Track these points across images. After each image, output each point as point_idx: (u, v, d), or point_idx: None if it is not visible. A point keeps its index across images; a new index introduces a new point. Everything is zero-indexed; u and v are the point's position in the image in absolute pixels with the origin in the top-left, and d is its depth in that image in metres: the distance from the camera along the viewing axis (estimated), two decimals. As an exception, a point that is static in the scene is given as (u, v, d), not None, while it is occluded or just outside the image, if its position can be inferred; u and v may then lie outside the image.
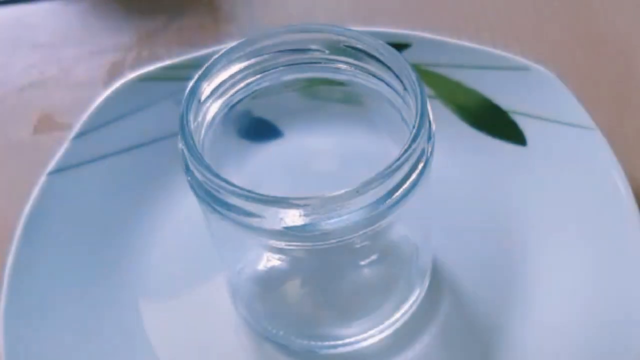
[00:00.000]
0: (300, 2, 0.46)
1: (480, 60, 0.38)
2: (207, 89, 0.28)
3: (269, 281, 0.30)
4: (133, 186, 0.36)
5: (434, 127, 0.27)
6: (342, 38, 0.29)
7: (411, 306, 0.32)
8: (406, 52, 0.38)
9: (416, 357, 0.32)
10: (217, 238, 0.30)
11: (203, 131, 0.28)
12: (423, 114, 0.26)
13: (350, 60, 0.29)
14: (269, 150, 0.35)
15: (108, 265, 0.34)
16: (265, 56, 0.29)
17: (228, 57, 0.28)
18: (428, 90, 0.35)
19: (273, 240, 0.27)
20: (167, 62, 0.39)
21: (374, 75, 0.29)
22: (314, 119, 0.32)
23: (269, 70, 0.29)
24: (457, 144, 0.36)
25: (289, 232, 0.25)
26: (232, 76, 0.29)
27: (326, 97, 0.31)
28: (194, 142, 0.26)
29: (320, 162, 0.33)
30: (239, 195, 0.25)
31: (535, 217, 0.35)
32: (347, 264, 0.30)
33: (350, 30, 0.28)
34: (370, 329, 0.31)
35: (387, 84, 0.28)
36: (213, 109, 0.29)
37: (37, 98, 0.43)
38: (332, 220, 0.25)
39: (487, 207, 0.35)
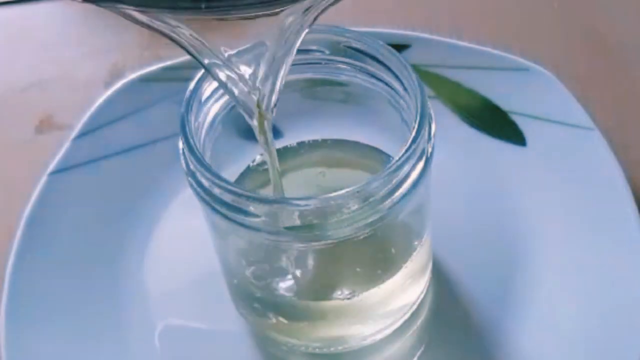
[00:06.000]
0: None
1: (480, 61, 0.38)
2: (207, 89, 0.28)
3: (269, 281, 0.30)
4: (133, 186, 0.37)
5: (434, 127, 0.27)
6: (342, 38, 0.29)
7: (411, 306, 0.32)
8: (406, 53, 0.38)
9: (416, 356, 0.32)
10: (218, 238, 0.30)
11: (204, 132, 0.28)
12: (423, 114, 0.26)
13: (351, 60, 0.29)
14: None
15: (108, 265, 0.34)
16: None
17: (228, 58, 0.28)
18: (428, 91, 0.35)
19: (273, 241, 0.27)
20: (168, 63, 0.39)
21: (374, 76, 0.29)
22: (313, 119, 0.32)
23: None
24: (457, 144, 0.37)
25: (289, 233, 0.26)
26: (232, 77, 0.29)
27: (326, 97, 0.31)
28: (194, 142, 0.26)
29: (320, 162, 0.33)
30: (240, 196, 0.25)
31: (535, 217, 0.35)
32: (347, 264, 0.30)
33: (350, 30, 0.28)
34: (370, 329, 0.31)
35: (387, 85, 0.28)
36: (214, 109, 0.29)
37: (38, 98, 0.43)
38: (332, 220, 0.25)
39: (486, 207, 0.36)
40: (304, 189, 0.32)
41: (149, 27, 0.22)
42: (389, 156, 0.32)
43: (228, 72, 0.25)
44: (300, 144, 0.33)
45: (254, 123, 0.26)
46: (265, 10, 0.20)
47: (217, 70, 0.25)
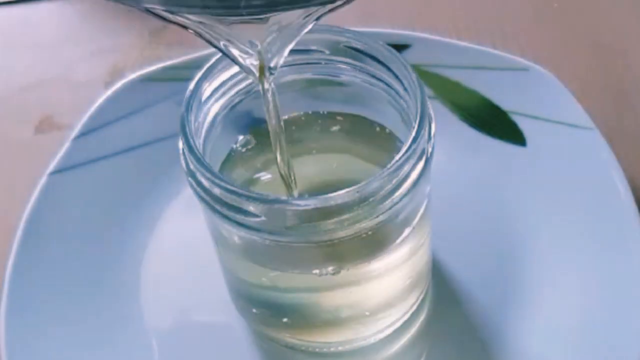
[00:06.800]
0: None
1: (480, 61, 0.38)
2: (207, 89, 0.28)
3: (269, 280, 0.30)
4: (133, 186, 0.37)
5: (434, 127, 0.27)
6: (342, 38, 0.29)
7: (411, 306, 0.32)
8: (406, 53, 0.38)
9: (416, 357, 0.32)
10: (217, 238, 0.30)
11: (204, 131, 0.28)
12: (423, 114, 0.26)
13: (350, 60, 0.29)
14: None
15: (108, 265, 0.34)
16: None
17: (229, 58, 0.28)
18: (428, 91, 0.35)
19: (273, 240, 0.27)
20: (168, 63, 0.39)
21: (374, 76, 0.29)
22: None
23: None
24: (457, 144, 0.37)
25: (289, 232, 0.26)
26: (232, 77, 0.29)
27: (326, 97, 0.31)
28: (194, 142, 0.26)
29: (320, 162, 0.33)
30: (240, 196, 0.25)
31: (535, 217, 0.35)
32: (347, 264, 0.30)
33: (350, 30, 0.28)
34: (370, 329, 0.31)
35: (387, 85, 0.28)
36: (214, 109, 0.29)
37: (38, 98, 0.43)
38: (332, 220, 0.25)
39: (486, 207, 0.36)
40: (311, 174, 0.32)
41: (161, 17, 0.22)
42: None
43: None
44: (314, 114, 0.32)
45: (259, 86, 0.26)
46: (297, 9, 0.20)
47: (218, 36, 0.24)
